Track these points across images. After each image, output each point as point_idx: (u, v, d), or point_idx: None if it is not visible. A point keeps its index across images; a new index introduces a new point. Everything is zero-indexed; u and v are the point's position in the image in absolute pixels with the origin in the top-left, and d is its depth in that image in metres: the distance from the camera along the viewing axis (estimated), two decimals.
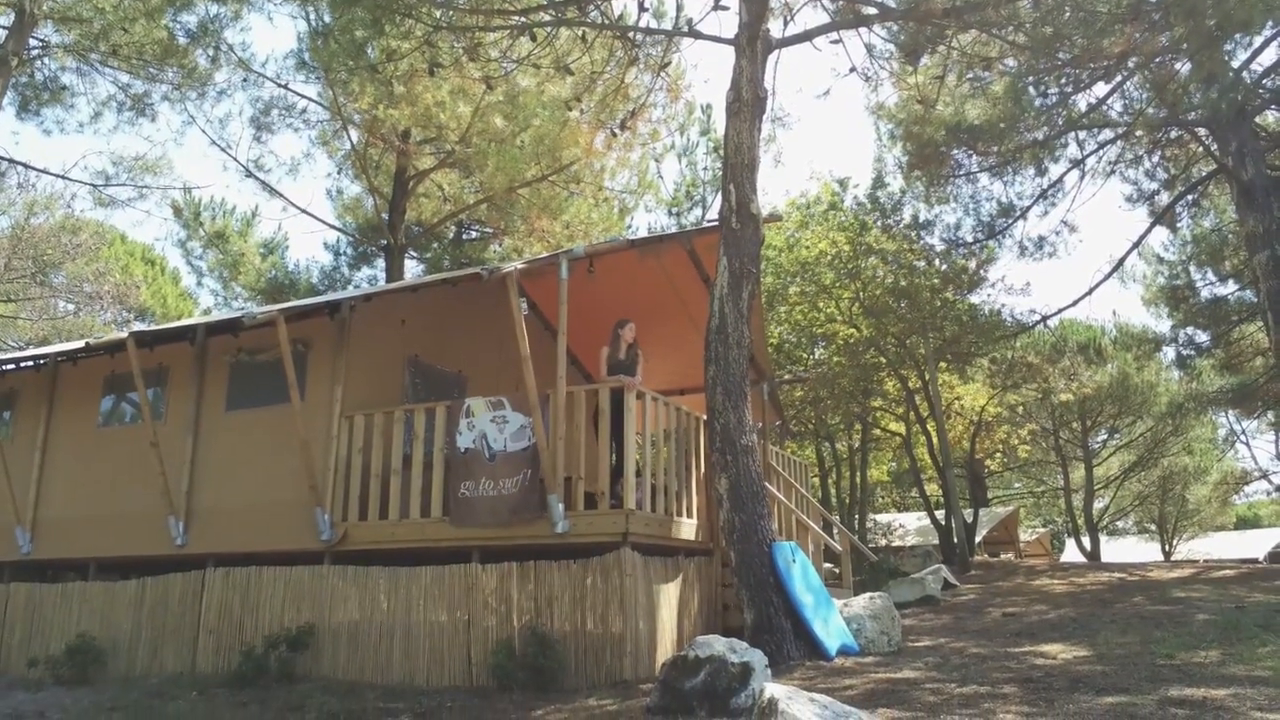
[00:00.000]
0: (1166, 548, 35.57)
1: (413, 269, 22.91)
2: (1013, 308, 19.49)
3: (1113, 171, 19.46)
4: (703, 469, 8.70)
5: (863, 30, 9.87)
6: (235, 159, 17.76)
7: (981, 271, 17.71)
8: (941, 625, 9.96)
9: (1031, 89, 12.38)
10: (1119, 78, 13.62)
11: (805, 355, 19.57)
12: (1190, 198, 19.82)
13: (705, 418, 8.30)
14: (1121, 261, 20.27)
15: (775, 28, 9.63)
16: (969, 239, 20.09)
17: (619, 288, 10.13)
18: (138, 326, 34.64)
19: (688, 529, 8.28)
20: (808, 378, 17.24)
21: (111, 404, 10.14)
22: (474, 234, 23.34)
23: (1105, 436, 31.21)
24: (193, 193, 23.30)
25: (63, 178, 18.33)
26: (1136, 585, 12.87)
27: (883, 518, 32.88)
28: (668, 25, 10.00)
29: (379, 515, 8.23)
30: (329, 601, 8.23)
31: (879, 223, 17.61)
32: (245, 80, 16.71)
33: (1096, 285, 20.48)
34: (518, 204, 17.21)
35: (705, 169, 22.31)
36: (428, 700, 6.84)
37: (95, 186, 18.19)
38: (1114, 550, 37.60)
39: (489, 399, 7.98)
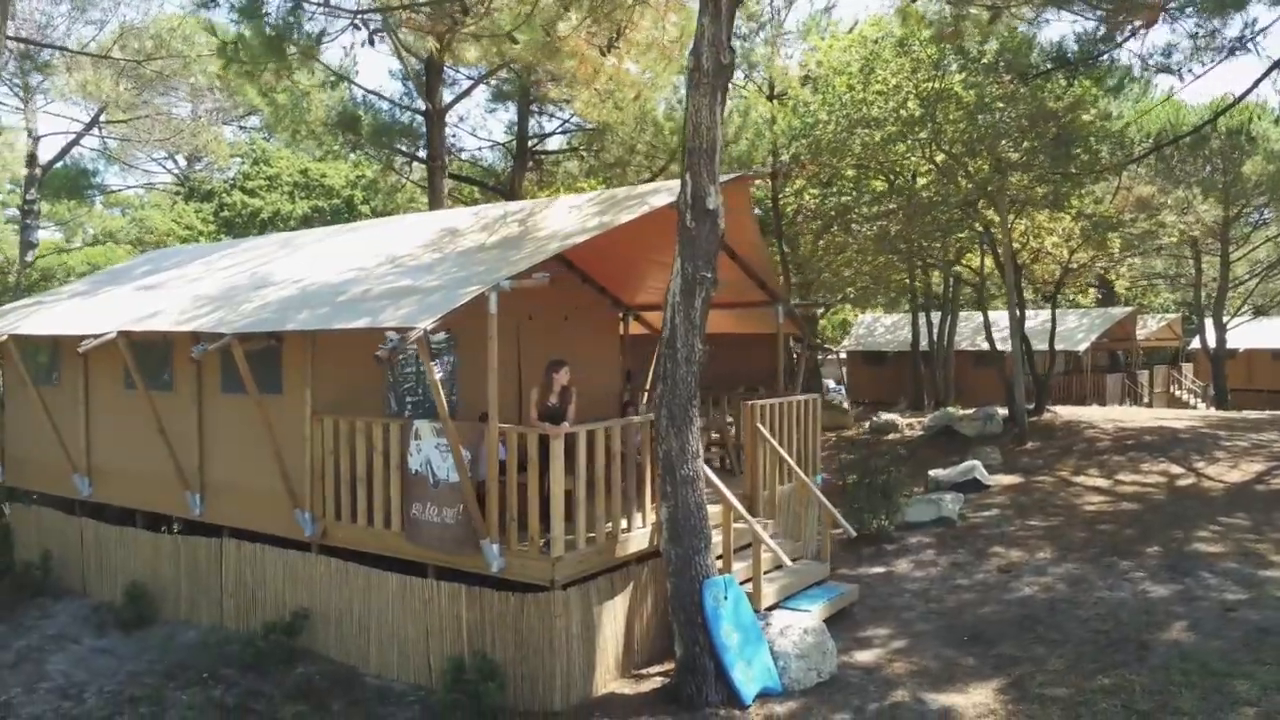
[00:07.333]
0: None
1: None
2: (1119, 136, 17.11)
3: None
4: (658, 469, 8.59)
5: None
6: None
7: (1081, 110, 15.48)
8: (920, 589, 9.98)
9: None
10: None
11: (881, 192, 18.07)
12: None
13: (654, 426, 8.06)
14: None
15: None
16: (1073, 56, 17.54)
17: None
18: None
19: (638, 539, 8.38)
20: (830, 302, 16.12)
21: (129, 371, 10.68)
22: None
23: (1251, 226, 28.30)
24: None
25: (104, 56, 18.14)
26: (1172, 513, 12.14)
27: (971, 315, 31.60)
28: None
29: (350, 518, 8.69)
30: (318, 588, 8.99)
31: (958, 61, 15.44)
32: None
33: (1248, 91, 17.60)
34: (557, 55, 16.09)
35: None
36: None
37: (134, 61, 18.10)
38: (1251, 334, 35.19)
39: (434, 424, 8.04)
